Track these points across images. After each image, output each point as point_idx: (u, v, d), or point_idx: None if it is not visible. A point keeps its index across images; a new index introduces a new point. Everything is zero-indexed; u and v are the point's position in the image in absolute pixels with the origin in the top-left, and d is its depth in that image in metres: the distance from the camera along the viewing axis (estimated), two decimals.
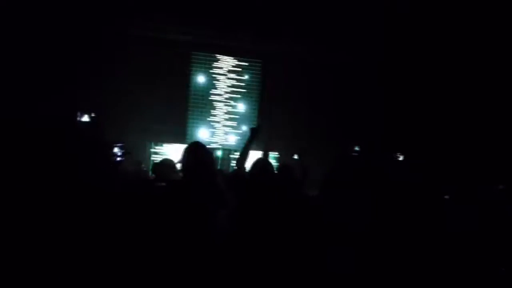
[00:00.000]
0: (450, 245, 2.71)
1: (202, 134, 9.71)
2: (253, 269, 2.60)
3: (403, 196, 2.55)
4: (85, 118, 5.29)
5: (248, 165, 3.19)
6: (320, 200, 2.84)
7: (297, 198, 3.18)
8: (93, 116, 5.47)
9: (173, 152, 8.83)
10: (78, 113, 5.49)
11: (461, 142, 7.20)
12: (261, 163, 3.18)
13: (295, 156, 6.03)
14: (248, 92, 9.91)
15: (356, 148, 8.12)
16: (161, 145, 9.19)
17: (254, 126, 3.39)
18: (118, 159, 2.63)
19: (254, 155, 3.37)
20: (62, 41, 7.15)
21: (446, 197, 3.57)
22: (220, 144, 9.70)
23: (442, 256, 2.57)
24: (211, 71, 9.71)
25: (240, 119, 9.89)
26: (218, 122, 9.83)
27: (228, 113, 9.88)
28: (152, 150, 9.12)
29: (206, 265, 2.36)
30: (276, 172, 3.31)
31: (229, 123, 9.87)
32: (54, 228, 2.03)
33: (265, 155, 4.31)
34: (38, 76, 6.37)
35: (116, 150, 2.58)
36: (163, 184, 3.59)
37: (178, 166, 3.49)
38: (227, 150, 9.58)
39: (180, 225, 2.33)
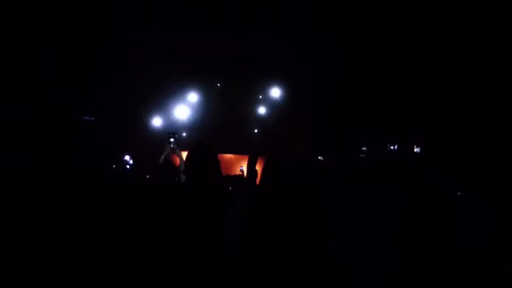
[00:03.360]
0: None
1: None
2: (261, 272, 2.42)
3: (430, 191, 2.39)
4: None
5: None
6: (335, 199, 2.67)
7: (312, 197, 2.96)
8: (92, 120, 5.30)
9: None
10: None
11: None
12: (271, 162, 2.94)
13: (320, 157, 5.86)
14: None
15: (363, 148, 7.86)
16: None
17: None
18: (128, 166, 2.53)
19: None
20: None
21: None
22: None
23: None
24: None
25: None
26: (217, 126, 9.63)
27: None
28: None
29: (210, 269, 2.23)
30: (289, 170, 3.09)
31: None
32: (48, 228, 2.04)
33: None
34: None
35: (126, 157, 2.47)
36: (167, 185, 3.43)
37: (182, 168, 3.40)
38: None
39: (184, 228, 2.18)
